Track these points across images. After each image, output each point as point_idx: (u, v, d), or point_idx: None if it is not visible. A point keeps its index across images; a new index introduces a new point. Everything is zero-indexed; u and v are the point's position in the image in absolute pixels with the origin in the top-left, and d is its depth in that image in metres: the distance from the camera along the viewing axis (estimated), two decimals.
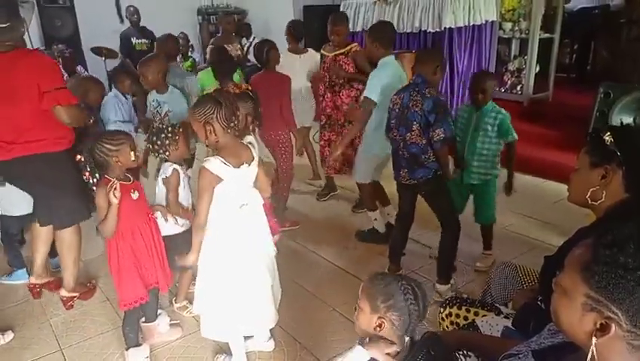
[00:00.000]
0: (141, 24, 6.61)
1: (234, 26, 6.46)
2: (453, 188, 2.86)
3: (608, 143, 1.38)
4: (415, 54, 2.74)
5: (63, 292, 2.85)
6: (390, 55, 3.14)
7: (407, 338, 1.37)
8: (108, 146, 2.04)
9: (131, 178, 2.20)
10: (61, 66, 5.66)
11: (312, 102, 4.38)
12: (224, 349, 2.38)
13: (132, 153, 2.08)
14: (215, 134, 1.95)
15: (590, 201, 1.46)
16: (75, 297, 2.88)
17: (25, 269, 3.12)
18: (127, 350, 2.34)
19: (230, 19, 5.99)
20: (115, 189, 2.02)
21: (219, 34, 5.57)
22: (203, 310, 2.21)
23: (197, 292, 2.20)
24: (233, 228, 2.08)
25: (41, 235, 2.82)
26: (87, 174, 2.06)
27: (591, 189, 1.44)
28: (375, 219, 3.49)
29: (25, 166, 2.52)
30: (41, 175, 2.57)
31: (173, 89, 3.27)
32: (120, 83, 3.69)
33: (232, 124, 1.98)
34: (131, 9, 6.54)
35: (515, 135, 2.86)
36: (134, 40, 6.47)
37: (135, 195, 2.16)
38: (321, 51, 3.97)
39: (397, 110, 2.67)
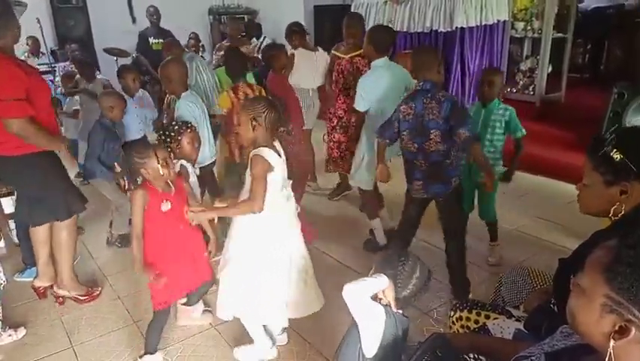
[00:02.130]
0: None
1: (240, 32, 6.52)
2: (464, 187, 2.82)
3: (618, 160, 1.33)
4: (411, 58, 2.68)
5: (56, 289, 2.88)
6: (382, 58, 3.16)
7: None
8: (136, 158, 2.09)
9: (172, 186, 2.20)
10: (73, 68, 5.75)
11: (317, 104, 4.39)
12: (242, 341, 2.39)
13: (159, 164, 2.08)
14: (257, 132, 2.05)
15: (612, 218, 1.41)
16: (68, 297, 2.88)
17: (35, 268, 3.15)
18: (141, 357, 2.33)
19: (237, 26, 6.01)
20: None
21: (225, 41, 5.61)
22: (227, 291, 2.22)
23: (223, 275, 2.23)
24: (279, 215, 2.15)
25: (38, 237, 2.81)
26: (124, 182, 2.11)
27: (613, 208, 1.39)
28: (376, 228, 3.41)
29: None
30: (9, 177, 2.67)
31: (189, 94, 3.23)
32: (124, 79, 3.78)
33: (275, 129, 2.11)
34: (151, 9, 6.61)
35: (524, 131, 2.88)
36: (151, 39, 6.55)
37: (166, 206, 2.15)
38: (333, 52, 3.93)
39: (411, 120, 2.55)
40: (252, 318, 2.26)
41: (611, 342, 0.83)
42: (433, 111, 2.47)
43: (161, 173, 2.09)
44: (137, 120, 3.74)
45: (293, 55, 4.27)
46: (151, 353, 2.32)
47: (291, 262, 2.23)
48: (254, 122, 2.03)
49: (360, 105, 3.16)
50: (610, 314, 0.84)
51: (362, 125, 3.27)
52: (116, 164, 2.08)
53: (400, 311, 1.59)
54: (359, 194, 3.88)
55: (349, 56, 3.66)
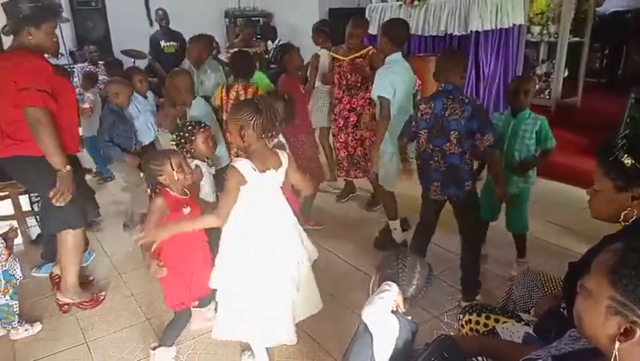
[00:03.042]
0: (170, 26, 6.72)
1: (253, 36, 6.57)
2: (487, 196, 2.82)
3: (629, 165, 1.32)
4: (436, 60, 2.66)
5: (59, 296, 2.83)
6: (398, 52, 3.12)
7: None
8: (153, 166, 2.13)
9: (188, 193, 2.24)
10: (91, 69, 5.85)
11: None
12: (249, 346, 2.39)
13: (174, 171, 2.12)
14: (248, 139, 2.00)
15: (622, 223, 1.41)
16: (71, 304, 2.85)
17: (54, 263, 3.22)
18: (154, 349, 2.35)
19: (251, 30, 6.06)
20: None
21: (238, 39, 5.68)
22: (224, 310, 2.22)
23: (218, 290, 2.22)
24: (255, 231, 2.10)
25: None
26: (148, 188, 2.17)
27: (624, 213, 1.39)
28: (395, 228, 3.43)
29: (11, 166, 2.60)
30: (28, 178, 2.67)
31: (198, 101, 3.31)
32: (131, 80, 3.85)
33: (267, 133, 2.02)
34: (160, 12, 6.64)
35: (554, 140, 2.81)
36: (162, 43, 6.56)
37: (187, 210, 2.19)
38: (332, 54, 3.93)
39: (429, 119, 2.53)
40: (253, 337, 2.26)
41: (617, 344, 0.84)
42: (455, 111, 2.45)
43: (176, 178, 2.13)
44: (145, 126, 3.80)
45: (318, 55, 4.32)
46: (166, 346, 2.35)
47: (275, 281, 2.16)
48: (242, 131, 1.98)
49: (384, 92, 3.01)
50: (615, 316, 0.85)
51: (388, 117, 3.08)
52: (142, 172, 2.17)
53: (410, 317, 1.60)
54: (378, 194, 3.89)
55: (349, 57, 3.67)
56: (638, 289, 0.82)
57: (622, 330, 0.84)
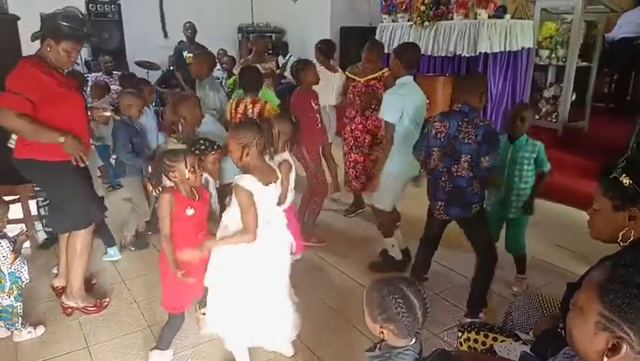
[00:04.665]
0: (183, 39, 6.84)
1: (266, 49, 6.66)
2: (492, 218, 2.85)
3: (627, 185, 1.36)
4: (452, 78, 2.70)
5: (64, 299, 2.88)
6: (409, 75, 3.15)
7: (413, 340, 1.40)
8: (166, 162, 2.18)
9: (196, 195, 2.27)
10: (105, 79, 5.96)
11: (334, 120, 4.48)
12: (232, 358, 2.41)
13: (187, 171, 2.16)
14: (250, 158, 2.10)
15: (621, 244, 1.43)
16: (76, 308, 2.88)
17: (116, 247, 3.57)
18: (152, 349, 2.41)
19: (263, 42, 6.15)
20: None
21: (250, 56, 5.76)
22: (213, 309, 2.28)
23: (210, 302, 2.28)
24: (257, 242, 2.14)
25: (63, 242, 2.91)
26: (151, 184, 2.20)
27: (621, 233, 1.41)
28: (393, 245, 3.40)
29: (25, 168, 2.66)
30: (39, 179, 2.77)
31: (207, 121, 3.31)
32: (139, 91, 3.91)
33: (267, 150, 2.15)
34: (187, 24, 6.76)
35: (549, 165, 2.86)
36: (185, 53, 6.68)
37: (190, 212, 2.22)
38: (347, 74, 3.99)
39: (442, 139, 2.52)
40: (233, 341, 2.33)
41: (605, 360, 0.85)
42: (469, 135, 2.44)
43: (187, 177, 2.17)
44: (154, 137, 3.87)
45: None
46: (161, 350, 2.39)
47: (269, 288, 2.25)
48: (245, 150, 2.08)
49: (390, 116, 3.05)
50: (603, 332, 0.86)
51: (387, 141, 3.13)
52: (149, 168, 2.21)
53: (413, 341, 1.45)
54: (374, 213, 3.91)
55: (365, 79, 3.71)
56: (624, 305, 0.83)
57: (609, 346, 0.85)
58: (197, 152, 2.63)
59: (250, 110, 3.35)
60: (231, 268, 2.18)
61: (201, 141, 2.69)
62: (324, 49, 4.58)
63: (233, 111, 3.43)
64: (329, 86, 4.40)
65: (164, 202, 2.17)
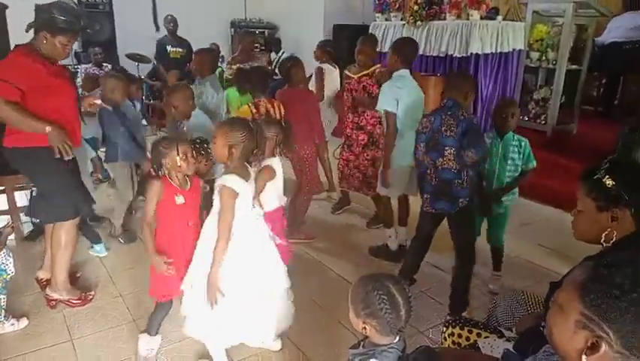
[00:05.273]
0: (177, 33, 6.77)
1: (253, 46, 6.62)
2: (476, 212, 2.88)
3: (610, 186, 1.37)
4: (443, 78, 2.75)
5: (49, 291, 2.85)
6: (405, 69, 3.18)
7: (397, 337, 1.39)
8: (162, 147, 2.17)
9: (188, 183, 2.26)
10: (95, 70, 5.91)
11: (335, 117, 4.49)
12: (205, 355, 2.40)
13: (178, 158, 2.15)
14: (232, 156, 2.08)
15: (604, 245, 1.44)
16: (60, 300, 2.86)
17: (102, 244, 3.51)
18: (141, 332, 2.41)
19: (250, 39, 6.08)
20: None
21: (236, 53, 5.72)
22: (192, 312, 2.25)
23: (186, 294, 2.25)
24: (242, 239, 2.15)
25: (48, 233, 2.89)
26: (153, 170, 2.21)
27: (604, 233, 1.42)
28: (390, 236, 3.49)
29: (12, 157, 2.64)
30: (26, 168, 2.72)
31: (198, 113, 3.31)
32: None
33: (250, 154, 2.16)
34: (169, 17, 6.69)
35: (534, 162, 2.90)
36: (169, 47, 6.60)
37: (180, 200, 2.21)
38: (345, 72, 4.01)
39: (427, 133, 2.60)
40: (212, 341, 2.31)
41: (584, 358, 0.86)
42: (450, 128, 2.50)
43: (179, 165, 2.16)
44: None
45: (322, 69, 4.60)
46: (151, 335, 2.39)
47: (253, 285, 2.22)
48: (232, 149, 2.06)
49: (387, 105, 3.11)
50: (583, 330, 0.87)
51: (394, 133, 3.16)
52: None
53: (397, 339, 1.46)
54: (374, 203, 3.93)
55: (357, 75, 3.72)
56: (604, 305, 0.84)
57: (589, 344, 0.86)
58: (196, 146, 2.60)
59: (272, 111, 3.35)
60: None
61: (198, 141, 2.65)
62: (332, 52, 4.79)
63: (254, 113, 3.33)
64: (332, 81, 4.57)
65: (152, 188, 2.17)
